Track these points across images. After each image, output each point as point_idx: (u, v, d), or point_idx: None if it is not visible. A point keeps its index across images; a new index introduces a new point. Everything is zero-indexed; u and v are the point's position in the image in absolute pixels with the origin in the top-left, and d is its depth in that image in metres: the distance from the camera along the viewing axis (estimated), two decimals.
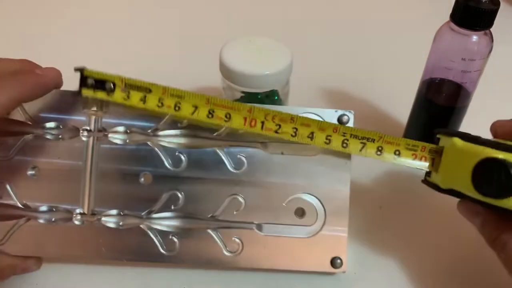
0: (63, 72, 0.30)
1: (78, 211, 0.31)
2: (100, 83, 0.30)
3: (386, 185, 0.40)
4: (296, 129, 0.30)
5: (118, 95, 0.30)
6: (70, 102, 0.31)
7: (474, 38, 0.33)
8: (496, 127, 0.30)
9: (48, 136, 0.31)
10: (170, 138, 0.32)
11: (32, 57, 0.30)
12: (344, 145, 0.30)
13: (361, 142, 0.30)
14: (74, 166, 0.31)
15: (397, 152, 0.30)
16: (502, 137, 0.29)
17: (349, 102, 0.49)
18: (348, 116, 0.32)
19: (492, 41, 0.33)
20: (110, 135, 0.31)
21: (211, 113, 0.30)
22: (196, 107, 0.30)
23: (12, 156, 0.31)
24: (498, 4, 0.31)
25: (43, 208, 0.31)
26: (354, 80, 0.52)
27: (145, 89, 0.30)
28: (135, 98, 0.30)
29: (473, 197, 0.27)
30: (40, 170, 0.31)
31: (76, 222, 0.31)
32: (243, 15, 0.64)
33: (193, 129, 0.32)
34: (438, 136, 0.30)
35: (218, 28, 0.60)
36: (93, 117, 0.31)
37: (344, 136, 0.30)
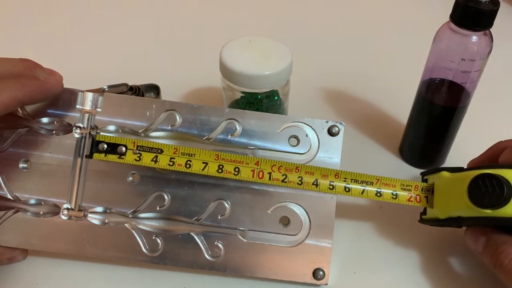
0: (64, 72, 0.30)
1: (65, 206, 0.31)
2: (112, 147, 0.31)
3: None
4: (301, 177, 0.31)
5: (130, 157, 0.31)
6: (66, 99, 0.32)
7: (474, 38, 0.33)
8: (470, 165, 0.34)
9: (42, 131, 0.32)
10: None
11: (33, 56, 0.30)
12: (347, 189, 0.31)
13: (362, 186, 0.31)
14: (65, 161, 0.31)
15: (394, 194, 0.32)
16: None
17: (349, 102, 0.49)
18: (338, 128, 0.32)
19: (492, 41, 0.33)
20: (101, 133, 0.31)
21: (220, 168, 0.31)
22: (206, 164, 0.31)
23: (6, 148, 0.32)
24: (498, 4, 0.31)
25: (32, 201, 0.31)
26: (354, 80, 0.52)
27: (157, 149, 0.31)
28: (147, 158, 0.31)
29: (473, 215, 0.29)
30: (31, 163, 0.32)
31: (63, 217, 0.31)
32: (243, 15, 0.64)
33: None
34: (425, 177, 0.33)
35: (218, 28, 0.60)
36: (86, 115, 0.31)
37: (345, 181, 0.31)
